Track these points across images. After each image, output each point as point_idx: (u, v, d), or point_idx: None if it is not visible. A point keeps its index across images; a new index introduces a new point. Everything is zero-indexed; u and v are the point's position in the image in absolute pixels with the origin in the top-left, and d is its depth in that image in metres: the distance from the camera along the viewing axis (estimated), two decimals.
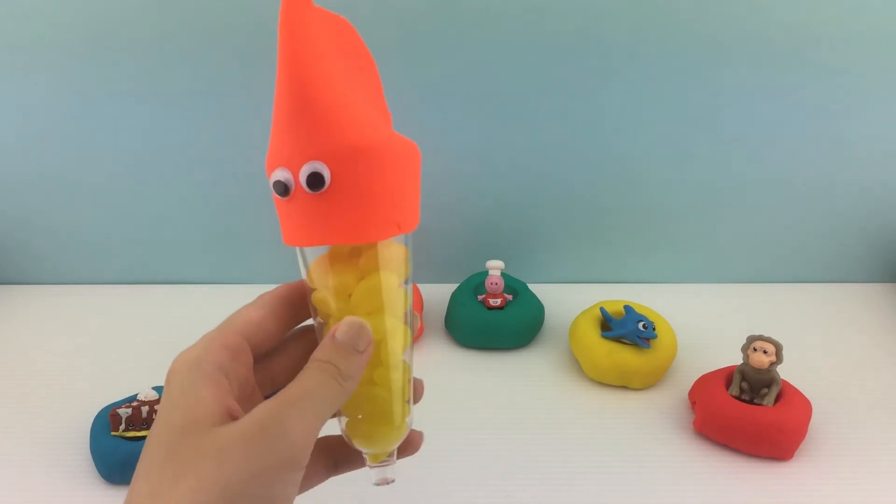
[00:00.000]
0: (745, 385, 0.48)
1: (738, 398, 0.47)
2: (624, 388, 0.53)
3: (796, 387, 0.48)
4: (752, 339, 0.48)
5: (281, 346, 0.30)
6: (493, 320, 0.56)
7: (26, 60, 0.56)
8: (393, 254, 0.29)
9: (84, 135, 0.59)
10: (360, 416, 0.29)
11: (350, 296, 0.28)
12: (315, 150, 0.26)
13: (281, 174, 0.26)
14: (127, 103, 0.57)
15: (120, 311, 0.63)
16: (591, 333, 0.53)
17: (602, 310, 0.54)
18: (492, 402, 0.52)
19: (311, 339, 0.31)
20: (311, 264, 0.29)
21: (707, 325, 0.59)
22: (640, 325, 0.52)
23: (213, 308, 0.63)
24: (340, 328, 0.27)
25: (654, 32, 0.54)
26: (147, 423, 0.45)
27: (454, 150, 0.59)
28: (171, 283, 0.67)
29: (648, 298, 0.59)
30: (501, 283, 0.57)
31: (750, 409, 0.46)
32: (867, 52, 0.55)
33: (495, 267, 0.57)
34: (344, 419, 0.30)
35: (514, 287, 0.59)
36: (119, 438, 0.44)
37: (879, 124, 0.58)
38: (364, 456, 0.30)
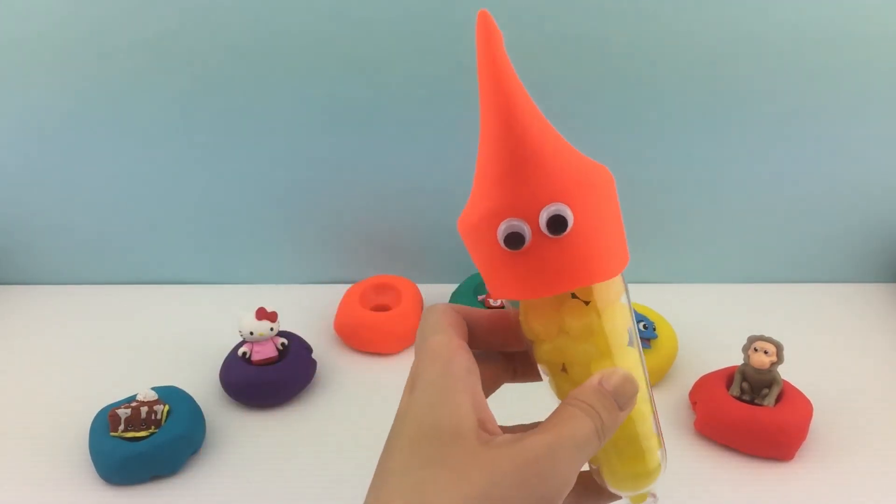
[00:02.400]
0: (745, 385, 0.48)
1: (738, 398, 0.47)
2: None
3: (797, 387, 0.48)
4: (752, 340, 0.48)
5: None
6: None
7: (26, 60, 0.55)
8: (618, 284, 0.28)
9: (84, 135, 0.59)
10: (614, 459, 0.28)
11: (591, 336, 0.27)
12: (552, 192, 0.24)
13: (513, 225, 0.24)
14: (127, 103, 0.57)
15: (119, 312, 0.63)
16: None
17: None
18: (491, 403, 0.52)
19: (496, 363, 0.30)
20: (530, 316, 0.28)
21: (708, 326, 0.59)
22: (641, 325, 0.52)
23: (213, 308, 0.64)
24: (611, 379, 0.26)
25: (654, 33, 0.54)
26: (146, 423, 0.45)
27: (454, 150, 0.59)
28: (171, 283, 0.66)
29: (649, 298, 0.58)
30: None
31: (751, 410, 0.46)
32: (867, 53, 0.54)
33: None
34: (595, 466, 0.29)
35: None
36: (118, 439, 0.44)
37: (879, 125, 0.58)
38: (624, 498, 0.29)
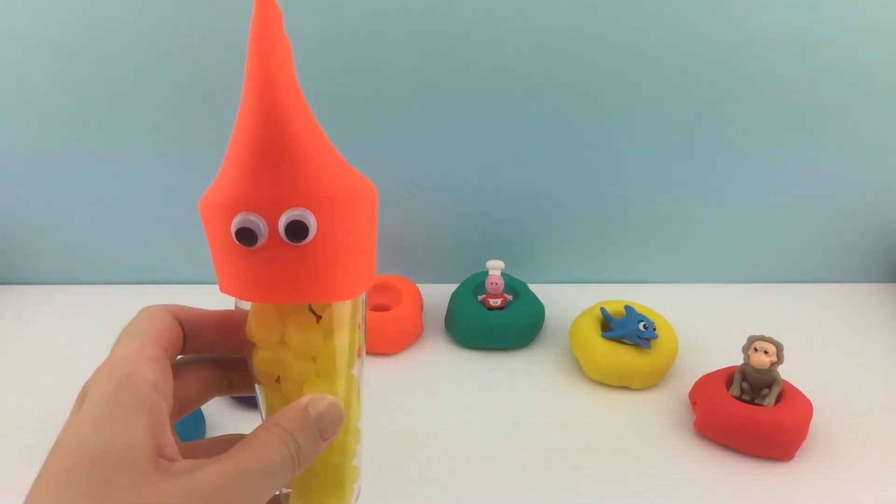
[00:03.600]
0: (745, 385, 0.48)
1: (738, 398, 0.47)
2: (624, 388, 0.53)
3: (797, 387, 0.48)
4: (752, 340, 0.48)
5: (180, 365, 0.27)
6: (494, 320, 0.56)
7: (26, 60, 0.55)
8: (356, 306, 0.26)
9: (84, 135, 0.59)
10: (308, 487, 0.27)
11: (313, 358, 0.25)
12: (301, 197, 0.23)
13: (249, 220, 0.23)
14: (127, 103, 0.57)
15: (120, 311, 0.62)
16: (592, 333, 0.53)
17: (602, 310, 0.54)
18: (492, 403, 0.52)
19: (211, 364, 0.28)
20: (254, 319, 0.26)
21: (708, 326, 0.59)
22: (641, 325, 0.52)
23: (213, 308, 0.63)
24: (318, 406, 0.24)
25: (653, 32, 0.54)
26: None
27: (455, 150, 0.59)
28: (171, 283, 0.66)
29: (649, 298, 0.58)
30: (501, 283, 0.57)
31: (751, 410, 0.46)
32: (868, 53, 0.54)
33: (495, 267, 0.57)
34: (287, 490, 0.27)
35: (515, 287, 0.59)
36: None
37: (879, 125, 0.58)
38: None
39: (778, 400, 0.47)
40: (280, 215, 0.23)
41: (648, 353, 0.51)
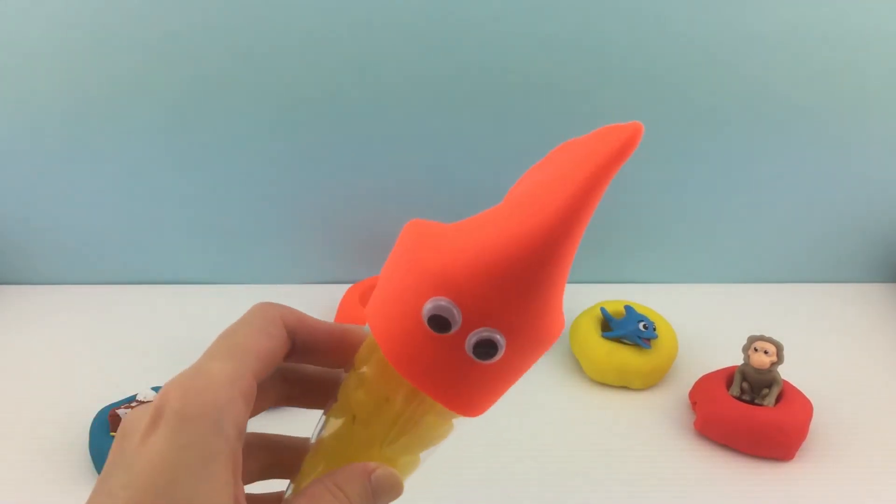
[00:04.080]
0: (745, 385, 0.48)
1: (738, 398, 0.47)
2: (624, 388, 0.53)
3: (797, 387, 0.48)
4: (752, 340, 0.48)
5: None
6: None
7: (26, 60, 0.55)
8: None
9: (84, 135, 0.59)
10: None
11: (405, 425, 0.25)
12: (512, 322, 0.22)
13: (452, 313, 0.21)
14: (127, 103, 0.57)
15: (120, 312, 0.63)
16: (592, 333, 0.53)
17: (602, 310, 0.54)
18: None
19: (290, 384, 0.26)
20: (377, 367, 0.25)
21: (708, 326, 0.59)
22: (641, 325, 0.52)
23: (213, 308, 0.63)
24: (382, 479, 0.23)
25: (654, 32, 0.54)
26: None
27: (454, 150, 0.59)
28: (171, 283, 0.66)
29: (649, 298, 0.58)
30: None
31: (751, 410, 0.46)
32: (868, 53, 0.54)
33: None
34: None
35: None
36: None
37: (879, 125, 0.58)
38: None
39: (778, 400, 0.47)
40: (481, 327, 0.22)
41: (648, 353, 0.51)
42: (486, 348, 0.22)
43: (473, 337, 0.22)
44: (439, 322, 0.21)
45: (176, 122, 0.58)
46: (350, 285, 0.61)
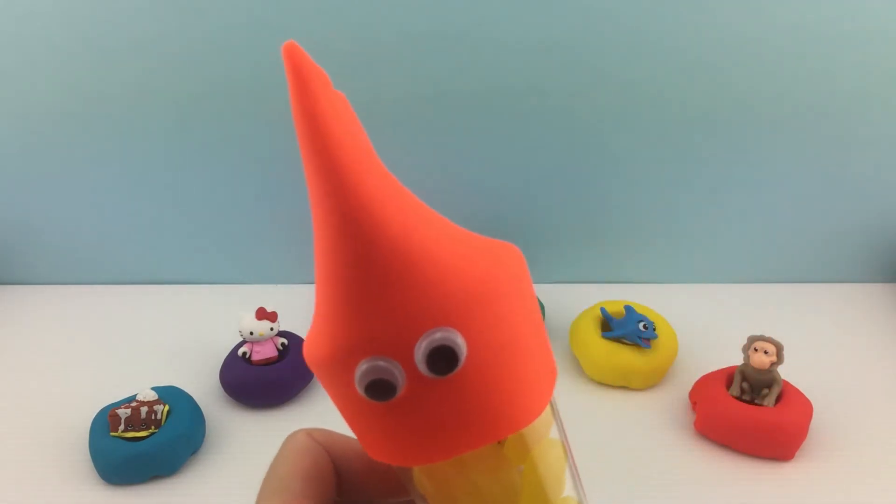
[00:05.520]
0: (745, 385, 0.48)
1: (738, 398, 0.47)
2: (624, 388, 0.53)
3: (797, 387, 0.48)
4: (752, 340, 0.48)
5: None
6: None
7: (26, 59, 0.55)
8: (546, 410, 0.20)
9: (84, 134, 0.59)
10: None
11: (516, 497, 0.20)
12: (434, 312, 0.16)
13: (376, 367, 0.17)
14: (127, 103, 0.57)
15: (119, 312, 0.63)
16: (592, 333, 0.53)
17: (602, 310, 0.54)
18: None
19: None
20: (423, 472, 0.20)
21: (708, 326, 0.59)
22: (641, 325, 0.52)
23: (213, 308, 0.63)
24: None
25: (654, 32, 0.54)
26: (146, 423, 0.45)
27: (454, 150, 0.59)
28: (171, 283, 0.66)
29: (649, 298, 0.58)
30: None
31: (751, 410, 0.46)
32: (868, 53, 0.54)
33: None
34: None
35: None
36: (118, 439, 0.44)
37: (879, 125, 0.58)
38: None
39: (778, 400, 0.47)
40: (414, 347, 0.16)
41: (648, 353, 0.51)
42: (440, 360, 0.17)
43: (420, 362, 0.17)
44: (379, 388, 0.17)
45: (176, 122, 0.58)
46: None
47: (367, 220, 0.16)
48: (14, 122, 0.59)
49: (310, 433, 0.21)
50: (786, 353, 0.47)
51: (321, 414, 0.51)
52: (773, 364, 0.47)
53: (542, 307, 0.58)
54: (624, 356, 0.51)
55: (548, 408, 0.20)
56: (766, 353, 0.47)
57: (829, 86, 0.56)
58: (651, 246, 0.65)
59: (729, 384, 0.48)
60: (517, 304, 0.18)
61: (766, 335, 0.48)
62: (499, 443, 0.19)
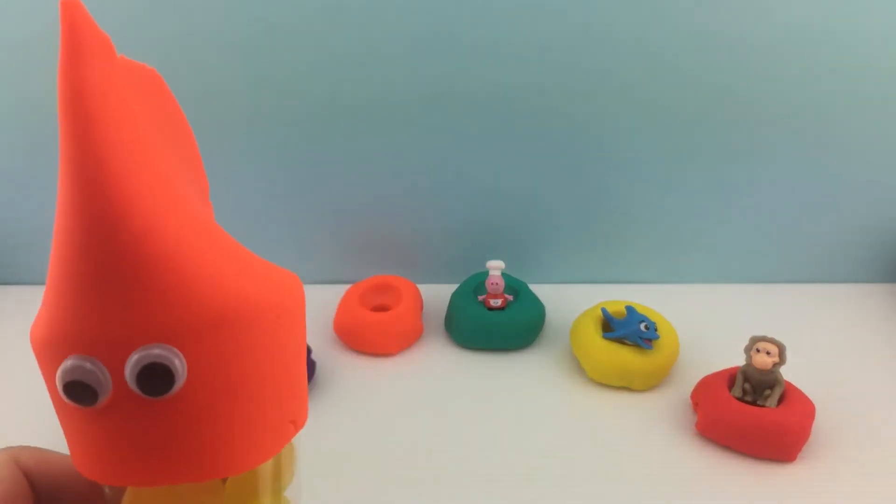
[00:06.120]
0: (747, 386, 0.47)
1: (740, 399, 0.47)
2: (625, 389, 0.52)
3: (799, 388, 0.48)
4: (754, 340, 0.48)
5: None
6: (494, 321, 0.56)
7: (25, 59, 0.55)
8: (283, 461, 0.19)
9: None
10: None
11: None
12: (160, 325, 0.15)
13: (80, 367, 0.15)
14: None
15: None
16: (593, 334, 0.53)
17: (603, 310, 0.54)
18: (492, 404, 0.51)
19: None
20: (128, 500, 0.19)
21: (709, 326, 0.59)
22: (642, 325, 0.52)
23: None
24: None
25: (654, 31, 0.54)
26: None
27: (455, 151, 0.59)
28: None
29: (650, 299, 0.58)
30: (502, 283, 0.57)
31: (753, 411, 0.45)
32: (868, 53, 0.54)
33: (496, 267, 0.57)
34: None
35: (515, 287, 0.59)
36: None
37: (880, 125, 0.58)
38: None
39: (780, 401, 0.46)
40: (127, 356, 0.15)
41: (650, 353, 0.51)
42: (150, 379, 0.15)
43: (130, 376, 0.15)
44: (77, 389, 0.15)
45: None
46: (350, 285, 0.61)
47: (108, 205, 0.14)
48: (14, 122, 0.58)
49: (15, 455, 0.18)
50: (788, 353, 0.47)
51: (320, 415, 0.50)
52: (776, 365, 0.47)
53: (543, 308, 0.58)
54: (625, 357, 0.51)
55: (286, 462, 0.18)
56: (768, 353, 0.47)
57: (830, 86, 0.56)
58: (652, 246, 0.65)
59: (731, 385, 0.48)
60: (270, 341, 0.17)
61: (769, 335, 0.48)
62: (222, 483, 0.18)
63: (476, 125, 0.58)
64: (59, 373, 0.16)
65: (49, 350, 0.16)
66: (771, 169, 0.60)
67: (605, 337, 0.52)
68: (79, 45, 0.16)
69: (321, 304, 0.62)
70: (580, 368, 0.54)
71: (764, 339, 0.47)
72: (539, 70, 0.55)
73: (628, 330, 0.52)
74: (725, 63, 0.55)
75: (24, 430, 0.49)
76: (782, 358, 0.47)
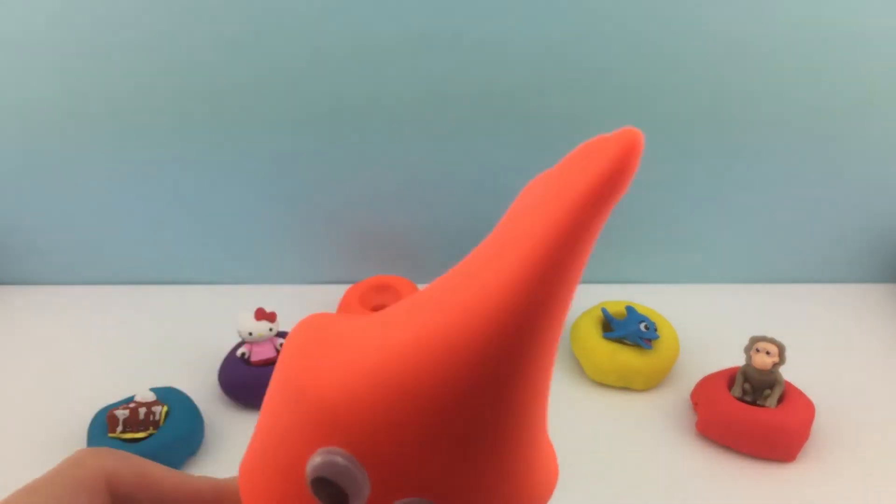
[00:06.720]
0: (747, 386, 0.47)
1: (740, 399, 0.47)
2: (626, 389, 0.52)
3: (799, 388, 0.48)
4: (754, 340, 0.48)
5: None
6: None
7: (25, 59, 0.55)
8: None
9: (84, 134, 0.59)
10: None
11: None
12: (447, 484, 0.14)
13: (344, 467, 0.14)
14: (127, 102, 0.57)
15: (117, 312, 0.62)
16: (593, 334, 0.53)
17: (603, 310, 0.54)
18: None
19: None
20: None
21: (709, 326, 0.59)
22: (642, 325, 0.52)
23: (212, 308, 0.63)
24: None
25: (655, 31, 0.54)
26: (144, 424, 0.45)
27: (455, 150, 0.59)
28: (170, 283, 0.66)
29: (650, 299, 0.58)
30: None
31: (752, 411, 0.45)
32: (869, 53, 0.54)
33: None
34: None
35: None
36: (116, 440, 0.44)
37: (880, 125, 0.58)
38: None
39: (780, 401, 0.46)
40: (403, 498, 0.14)
41: (650, 353, 0.51)
42: None
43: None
44: (331, 490, 0.14)
45: (176, 122, 0.58)
46: (350, 285, 0.61)
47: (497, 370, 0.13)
48: (14, 122, 0.58)
49: (101, 456, 0.16)
50: (788, 353, 0.47)
51: None
52: (776, 365, 0.46)
53: None
54: (625, 357, 0.51)
55: None
56: (768, 353, 0.47)
57: (830, 86, 0.56)
58: (652, 246, 0.65)
59: (731, 385, 0.48)
60: None
61: (768, 336, 0.48)
62: None
63: (476, 125, 0.58)
64: (317, 458, 0.14)
65: (312, 426, 0.15)
66: (771, 169, 0.60)
67: (605, 337, 0.52)
68: (617, 186, 0.12)
69: (321, 303, 0.62)
70: (580, 368, 0.54)
71: (764, 339, 0.47)
72: (539, 70, 0.55)
73: (628, 330, 0.52)
74: (726, 63, 0.55)
75: (22, 430, 0.49)
76: (782, 358, 0.47)
